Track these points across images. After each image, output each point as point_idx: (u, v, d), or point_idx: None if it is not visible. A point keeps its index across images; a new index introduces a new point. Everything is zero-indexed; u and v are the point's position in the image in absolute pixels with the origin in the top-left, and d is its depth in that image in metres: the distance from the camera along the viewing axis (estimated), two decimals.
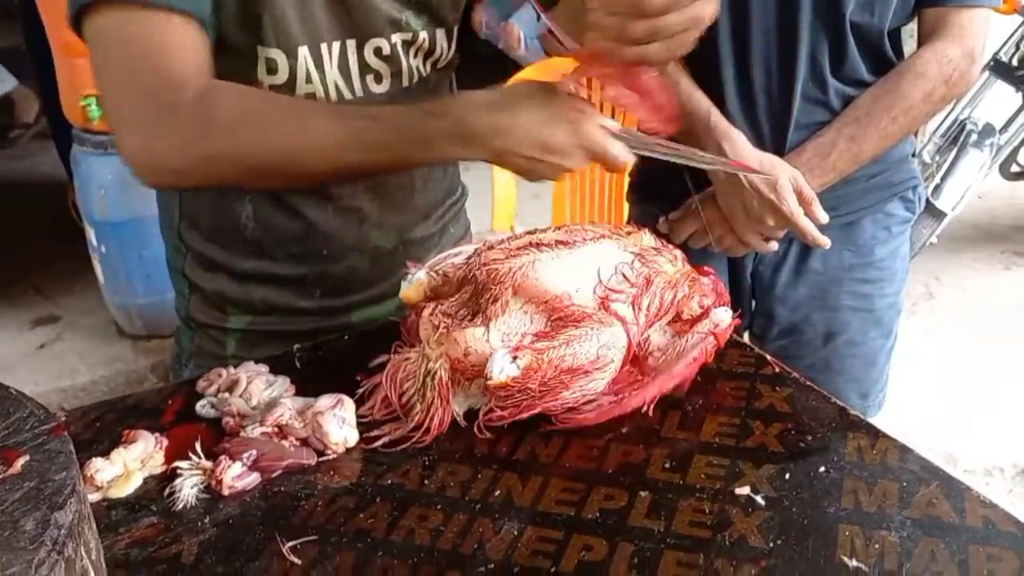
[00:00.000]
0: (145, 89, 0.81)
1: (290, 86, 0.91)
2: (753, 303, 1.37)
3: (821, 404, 0.76)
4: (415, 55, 0.98)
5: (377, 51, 0.94)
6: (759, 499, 0.65)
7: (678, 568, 0.58)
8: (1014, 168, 2.87)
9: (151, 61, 0.80)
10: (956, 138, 2.45)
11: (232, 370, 0.83)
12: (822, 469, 0.68)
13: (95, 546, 0.57)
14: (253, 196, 0.97)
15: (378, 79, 0.95)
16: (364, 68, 0.94)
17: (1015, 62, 2.42)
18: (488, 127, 0.79)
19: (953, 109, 2.51)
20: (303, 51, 0.90)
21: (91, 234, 2.54)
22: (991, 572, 0.57)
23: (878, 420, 0.92)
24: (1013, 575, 0.57)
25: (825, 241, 1.21)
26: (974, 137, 2.42)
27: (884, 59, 1.22)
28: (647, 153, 0.83)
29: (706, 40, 1.16)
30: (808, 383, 0.78)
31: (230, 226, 0.99)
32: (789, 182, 1.17)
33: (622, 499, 0.65)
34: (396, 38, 0.95)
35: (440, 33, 0.99)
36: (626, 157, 0.81)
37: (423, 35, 0.96)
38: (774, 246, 1.24)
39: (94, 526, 0.58)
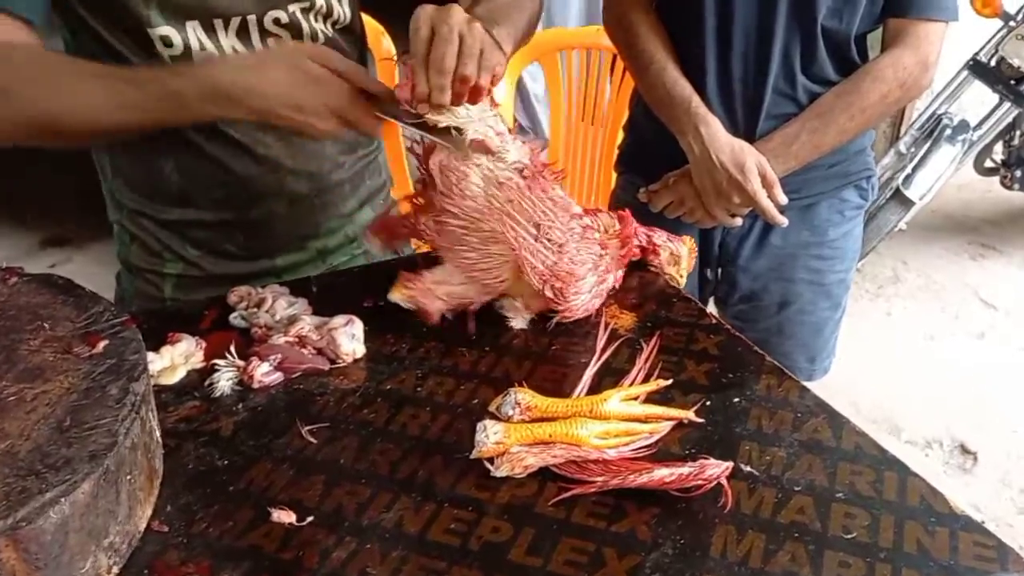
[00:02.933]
0: None
1: (186, 57, 0.98)
2: (719, 271, 1.53)
3: (745, 351, 0.92)
4: (316, 19, 1.04)
5: (276, 20, 1.01)
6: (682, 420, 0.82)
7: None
8: (988, 163, 3.02)
9: None
10: (932, 132, 2.59)
11: (260, 288, 0.98)
12: (736, 400, 0.84)
13: (155, 415, 0.73)
14: (176, 151, 1.05)
15: (278, 40, 1.02)
16: (265, 34, 1.01)
17: (992, 63, 2.55)
18: (238, 87, 0.84)
19: (932, 104, 2.65)
20: (192, 24, 0.97)
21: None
22: (852, 482, 0.74)
23: (828, 389, 1.07)
24: (868, 485, 0.74)
25: (783, 220, 1.36)
26: (948, 132, 2.56)
27: (850, 62, 1.36)
28: (392, 119, 0.89)
29: (693, 34, 1.33)
30: (737, 334, 0.94)
31: (155, 179, 1.07)
32: (755, 166, 1.32)
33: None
34: (293, 7, 1.02)
35: None
36: (372, 122, 0.87)
37: (320, 1, 1.04)
38: (739, 222, 1.40)
39: (154, 401, 0.74)
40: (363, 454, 0.78)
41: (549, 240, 0.89)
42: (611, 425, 0.75)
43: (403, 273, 0.95)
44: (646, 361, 0.85)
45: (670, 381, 0.83)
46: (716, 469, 0.70)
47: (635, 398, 0.80)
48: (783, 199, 1.34)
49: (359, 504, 0.71)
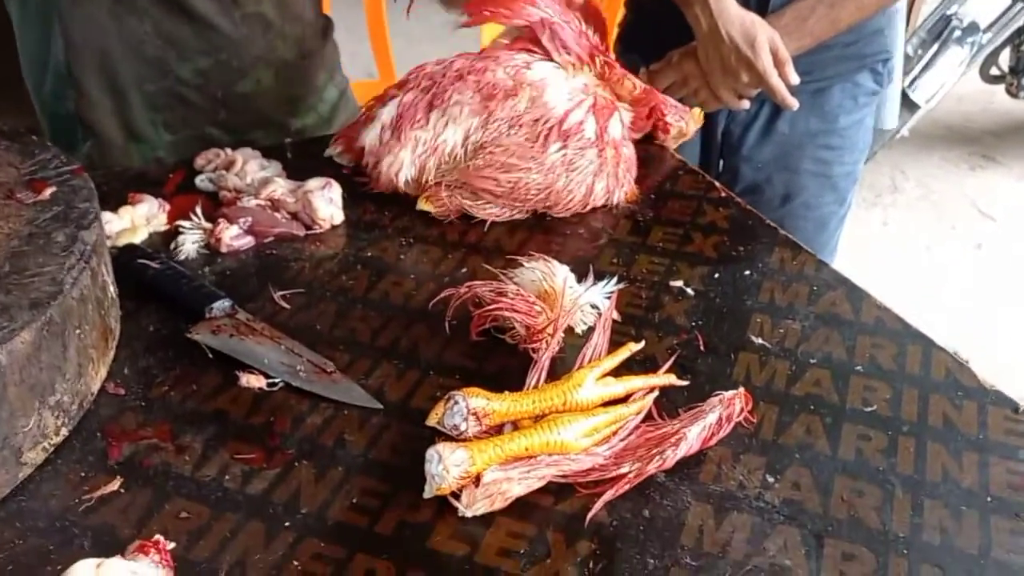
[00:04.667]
0: None
1: None
2: (721, 162, 1.45)
3: (757, 224, 0.85)
4: None
5: None
6: (689, 290, 0.75)
7: (613, 336, 0.68)
8: (993, 71, 2.92)
9: None
10: (940, 33, 2.48)
11: (230, 150, 0.90)
12: (747, 272, 0.78)
13: (110, 271, 0.66)
14: (151, 8, 0.93)
15: None
16: None
17: None
18: None
19: (940, 5, 2.53)
20: None
21: None
22: (872, 356, 0.68)
23: None
24: (890, 359, 0.68)
25: (793, 102, 1.28)
26: (957, 33, 2.46)
27: None
28: None
29: None
30: (749, 208, 0.88)
31: (127, 46, 0.95)
32: (767, 42, 1.23)
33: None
34: None
35: None
36: None
37: None
38: (746, 104, 1.31)
39: (108, 256, 0.66)
40: (341, 320, 0.71)
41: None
42: (596, 419, 0.59)
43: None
44: (605, 326, 0.65)
45: (641, 344, 0.67)
46: (737, 401, 0.61)
47: (609, 373, 0.63)
48: (795, 78, 1.25)
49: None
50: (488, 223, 0.83)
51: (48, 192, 0.66)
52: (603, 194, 0.86)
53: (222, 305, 0.70)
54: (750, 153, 1.42)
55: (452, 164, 0.83)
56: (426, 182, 0.84)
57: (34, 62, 1.00)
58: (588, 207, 0.85)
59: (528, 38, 0.89)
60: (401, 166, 0.84)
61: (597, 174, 0.84)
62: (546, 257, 0.70)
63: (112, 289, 0.66)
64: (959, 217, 2.88)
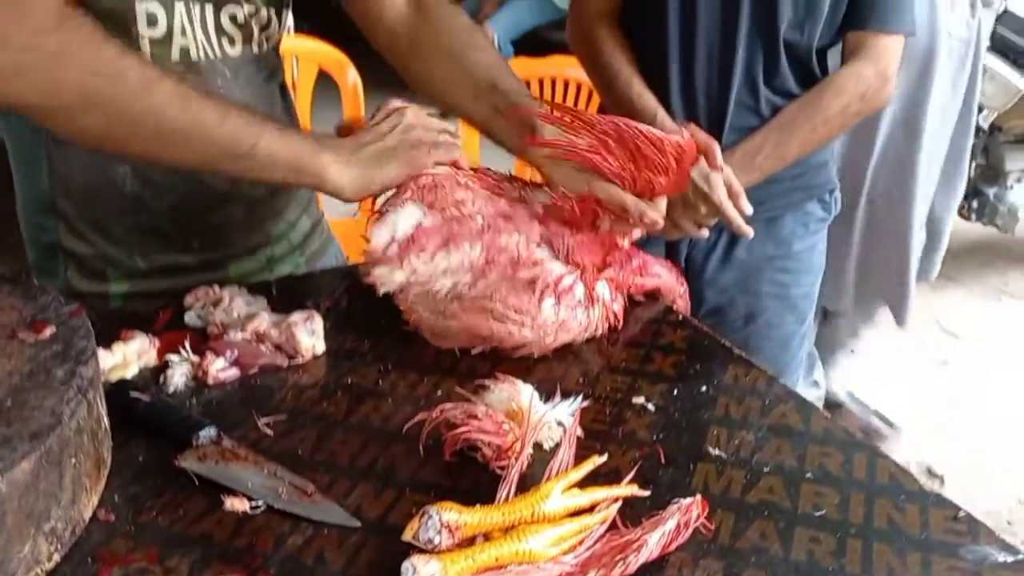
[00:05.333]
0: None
1: (167, 40, 0.96)
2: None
3: (712, 344, 0.91)
4: (258, 27, 1.05)
5: (232, 18, 1.01)
6: (650, 406, 0.80)
7: (578, 451, 0.72)
8: None
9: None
10: None
11: (217, 288, 0.96)
12: (703, 388, 0.83)
13: (104, 404, 0.70)
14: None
15: (232, 43, 1.02)
16: (220, 31, 1.00)
17: None
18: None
19: None
20: (179, 7, 0.95)
21: None
22: (821, 464, 0.73)
23: None
24: (838, 466, 0.73)
25: (749, 231, 1.37)
26: None
27: (811, 74, 1.39)
28: None
29: (656, 47, 1.35)
30: (705, 329, 0.94)
31: (106, 184, 1.01)
32: (720, 177, 1.33)
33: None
34: (247, 8, 1.02)
35: (273, 12, 1.05)
36: None
37: (264, 11, 1.04)
38: (705, 233, 1.40)
39: (102, 390, 0.71)
40: (322, 444, 0.75)
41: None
42: (562, 528, 0.63)
43: None
44: (570, 441, 0.70)
45: (604, 457, 0.70)
46: (695, 508, 0.65)
47: (575, 485, 0.67)
48: (748, 209, 1.34)
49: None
50: (463, 349, 0.89)
51: (48, 332, 0.71)
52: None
53: (208, 433, 0.74)
54: (712, 277, 1.50)
55: (433, 303, 0.88)
56: (406, 302, 0.89)
57: (24, 194, 1.08)
58: None
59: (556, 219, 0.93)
60: (390, 284, 0.88)
61: (585, 330, 0.90)
62: (512, 379, 0.76)
63: (106, 421, 0.70)
64: (925, 335, 2.97)
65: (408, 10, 1.07)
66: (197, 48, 0.99)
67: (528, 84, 2.30)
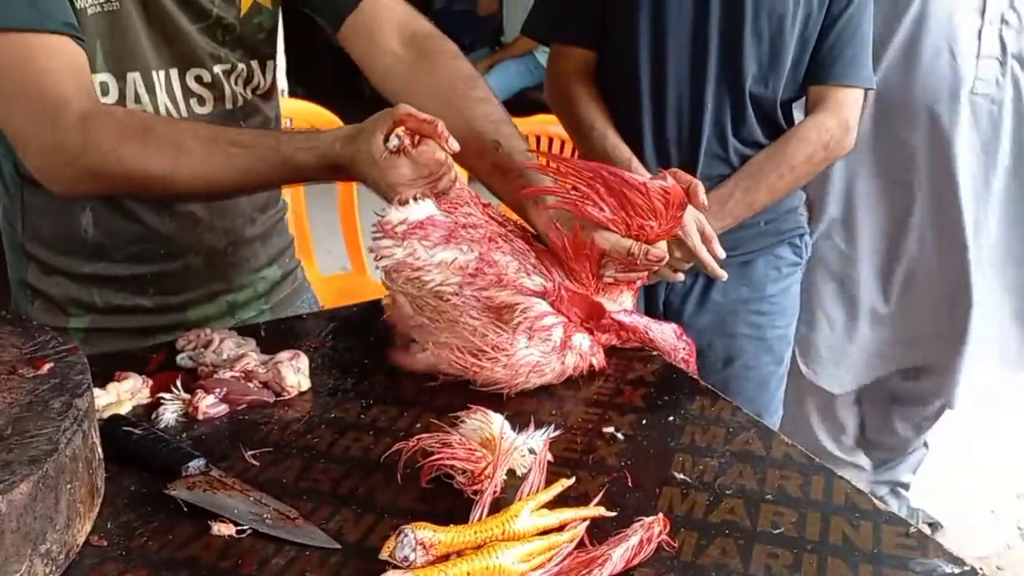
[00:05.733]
0: (28, 112, 0.92)
1: (120, 105, 1.01)
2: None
3: (680, 377, 0.95)
4: (236, 82, 1.10)
5: (198, 79, 1.07)
6: (619, 435, 0.84)
7: (549, 477, 0.76)
8: None
9: (29, 86, 0.91)
10: None
11: (208, 330, 1.00)
12: (671, 418, 0.87)
13: (98, 434, 0.74)
14: (94, 204, 1.06)
15: (201, 102, 1.07)
16: (188, 93, 1.06)
17: None
18: (349, 158, 0.91)
19: None
20: (133, 76, 1.02)
21: None
22: (781, 485, 0.77)
23: None
24: (796, 488, 0.76)
25: (723, 274, 1.42)
26: None
27: (777, 126, 1.46)
28: None
29: (630, 101, 1.42)
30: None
31: (71, 233, 1.08)
32: (694, 222, 1.39)
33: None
34: (217, 68, 1.07)
35: (255, 64, 1.11)
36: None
37: (241, 66, 1.09)
38: (681, 277, 1.45)
39: (97, 423, 0.75)
40: (305, 473, 0.79)
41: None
42: (531, 545, 0.66)
43: None
44: (541, 465, 0.75)
45: (572, 480, 0.75)
46: (656, 525, 0.68)
47: (543, 505, 0.71)
48: (721, 253, 1.39)
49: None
50: (441, 385, 0.93)
51: (46, 367, 0.75)
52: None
53: (197, 464, 0.77)
54: (690, 320, 1.55)
55: (418, 293, 0.91)
56: (395, 284, 0.92)
57: (5, 238, 1.16)
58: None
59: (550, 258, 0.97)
60: (389, 258, 0.90)
61: (559, 377, 0.94)
62: (484, 409, 0.80)
63: (99, 451, 0.74)
64: None
65: (406, 52, 1.09)
66: (156, 111, 1.04)
67: None
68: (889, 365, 1.98)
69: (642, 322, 0.99)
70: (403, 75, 1.08)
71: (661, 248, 0.96)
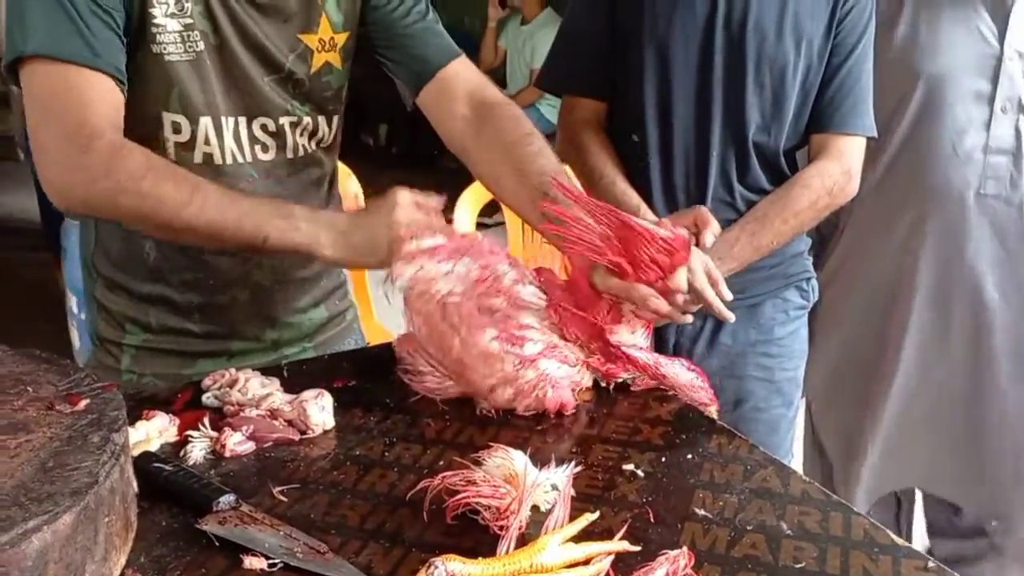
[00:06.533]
0: (64, 132, 0.97)
1: (191, 145, 1.09)
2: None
3: (696, 416, 0.97)
4: (300, 134, 1.16)
5: (264, 127, 1.13)
6: (640, 472, 0.86)
7: (573, 512, 0.78)
8: None
9: (70, 110, 0.97)
10: None
11: (233, 370, 1.02)
12: (689, 456, 0.89)
13: (133, 470, 0.76)
14: (161, 240, 1.12)
15: (265, 149, 1.14)
16: (253, 139, 1.13)
17: None
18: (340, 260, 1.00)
19: None
20: (205, 120, 1.08)
21: (72, 302, 2.70)
22: (800, 521, 0.78)
23: None
24: (815, 523, 0.78)
25: (729, 315, 1.44)
26: None
27: (781, 172, 1.49)
28: None
29: (638, 151, 1.46)
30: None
31: (135, 254, 1.15)
32: (701, 266, 1.42)
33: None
34: (284, 120, 1.14)
35: (322, 119, 1.19)
36: None
37: (307, 119, 1.17)
38: (689, 318, 1.47)
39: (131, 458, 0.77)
40: (333, 509, 0.80)
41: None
42: None
43: None
44: (565, 500, 0.77)
45: (596, 514, 0.77)
46: (681, 559, 0.70)
47: (569, 539, 0.73)
48: (728, 295, 1.41)
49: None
50: (463, 423, 0.94)
51: (83, 403, 0.77)
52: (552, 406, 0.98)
53: (227, 499, 0.79)
54: (700, 362, 1.55)
55: (429, 305, 0.97)
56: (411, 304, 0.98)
57: (82, 254, 1.22)
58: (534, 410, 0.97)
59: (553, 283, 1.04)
60: (402, 277, 0.97)
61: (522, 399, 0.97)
62: (505, 447, 0.81)
63: (134, 485, 0.75)
64: None
65: (474, 116, 1.18)
66: (223, 154, 1.11)
67: None
68: None
69: (651, 358, 1.02)
70: (469, 137, 1.18)
71: (661, 302, 1.01)
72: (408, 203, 1.01)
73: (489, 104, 1.18)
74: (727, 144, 1.45)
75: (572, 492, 0.79)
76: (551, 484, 0.80)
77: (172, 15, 1.04)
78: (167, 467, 0.83)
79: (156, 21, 1.04)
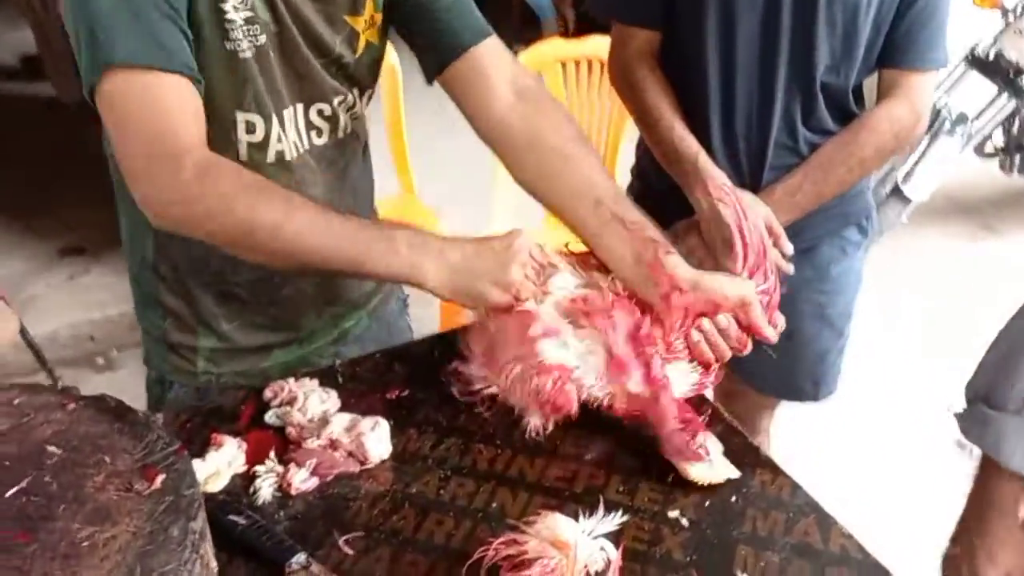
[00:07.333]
0: (152, 151, 0.94)
1: (264, 144, 1.07)
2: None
3: (741, 443, 0.99)
4: (345, 111, 1.14)
5: (320, 112, 1.11)
6: (684, 521, 0.90)
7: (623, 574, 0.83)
8: (988, 148, 3.04)
9: (152, 124, 0.94)
10: (930, 125, 2.61)
11: (293, 383, 1.06)
12: (733, 499, 0.92)
13: (211, 545, 0.81)
14: None
15: (319, 134, 1.12)
16: (309, 126, 1.11)
17: (990, 57, 2.56)
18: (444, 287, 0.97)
19: None
20: (275, 116, 1.06)
21: None
22: None
23: None
24: None
25: (790, 269, 1.42)
26: (947, 125, 2.59)
27: (848, 111, 1.41)
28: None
29: (697, 92, 1.37)
30: (735, 426, 1.02)
31: (198, 260, 1.14)
32: (762, 220, 1.38)
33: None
34: (336, 100, 1.11)
35: (359, 94, 1.15)
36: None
37: (351, 97, 1.14)
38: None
39: (209, 531, 0.82)
40: (395, 565, 0.86)
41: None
42: None
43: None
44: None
45: None
46: None
47: None
48: (789, 249, 1.39)
49: None
50: (513, 453, 0.98)
51: (159, 480, 0.82)
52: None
53: (299, 559, 0.85)
54: None
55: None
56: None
57: (131, 244, 1.21)
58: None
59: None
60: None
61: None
62: (552, 513, 0.85)
63: (213, 565, 0.81)
64: (960, 289, 2.99)
65: (522, 106, 1.10)
66: (289, 148, 1.10)
67: None
68: None
69: (670, 408, 0.98)
70: (518, 129, 1.10)
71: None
72: (526, 253, 0.98)
73: (534, 93, 1.12)
74: (793, 87, 1.36)
75: (620, 562, 0.83)
76: (600, 547, 0.85)
77: (236, 7, 0.99)
78: (241, 520, 0.89)
79: (228, 16, 0.99)
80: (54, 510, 0.79)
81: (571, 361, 0.99)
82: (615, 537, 0.87)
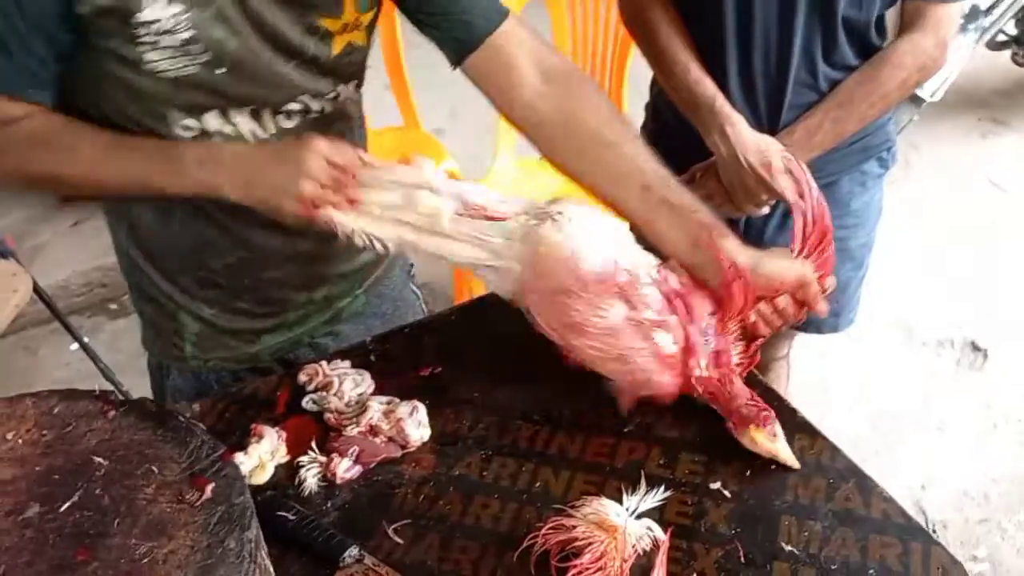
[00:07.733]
0: None
1: (204, 136, 1.01)
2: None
3: (779, 405, 1.00)
4: (323, 100, 1.07)
5: (288, 113, 1.05)
6: (726, 492, 0.91)
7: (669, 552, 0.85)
8: (1000, 38, 2.95)
9: None
10: None
11: (327, 366, 1.06)
12: (772, 466, 0.93)
13: (265, 550, 0.83)
14: (195, 220, 1.09)
15: (288, 116, 1.05)
16: (276, 123, 1.04)
17: None
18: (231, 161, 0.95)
19: None
20: (210, 115, 1.00)
21: None
22: (882, 555, 0.84)
23: None
24: (896, 560, 0.84)
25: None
26: (960, 21, 2.51)
27: (870, 45, 1.36)
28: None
29: (713, 31, 1.32)
30: (770, 387, 1.02)
31: (170, 247, 1.12)
32: (782, 163, 1.35)
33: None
34: (310, 95, 1.05)
35: (344, 86, 1.08)
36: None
37: (331, 91, 1.07)
38: (766, 210, 1.44)
39: (262, 537, 0.83)
40: (445, 553, 0.88)
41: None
42: None
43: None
44: (662, 560, 0.84)
45: None
46: None
47: None
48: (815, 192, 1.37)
49: None
50: (552, 430, 0.99)
51: (210, 489, 0.83)
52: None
53: (352, 552, 0.87)
54: (772, 239, 1.55)
55: None
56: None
57: (115, 243, 1.20)
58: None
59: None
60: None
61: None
62: (596, 499, 0.87)
63: (270, 567, 0.83)
64: (972, 192, 2.96)
65: (551, 89, 1.04)
66: (242, 134, 1.03)
67: None
68: None
69: (743, 390, 0.98)
70: (551, 113, 1.04)
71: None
72: (316, 162, 0.94)
73: (564, 75, 1.05)
74: (813, 23, 1.31)
75: (668, 542, 0.85)
76: (646, 527, 0.86)
77: (169, 30, 0.92)
78: (291, 516, 0.90)
79: (142, 39, 0.92)
80: (109, 525, 0.80)
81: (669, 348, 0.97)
82: (659, 513, 0.89)
